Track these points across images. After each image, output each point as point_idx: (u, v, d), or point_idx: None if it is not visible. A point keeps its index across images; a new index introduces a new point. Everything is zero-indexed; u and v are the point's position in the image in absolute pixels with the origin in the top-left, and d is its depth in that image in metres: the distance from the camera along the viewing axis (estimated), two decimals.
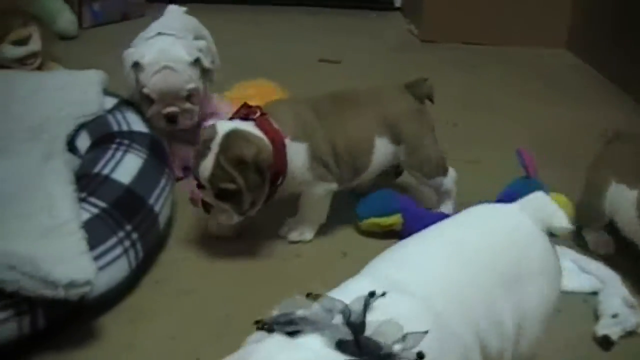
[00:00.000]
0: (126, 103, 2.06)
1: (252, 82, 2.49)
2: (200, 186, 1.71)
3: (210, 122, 1.89)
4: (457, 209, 1.91)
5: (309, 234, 1.88)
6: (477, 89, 3.00)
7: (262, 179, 1.67)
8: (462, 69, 3.23)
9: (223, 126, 1.69)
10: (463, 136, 2.53)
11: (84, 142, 1.92)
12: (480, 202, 1.92)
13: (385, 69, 3.09)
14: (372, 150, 1.88)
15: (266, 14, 3.92)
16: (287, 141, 1.74)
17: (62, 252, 1.40)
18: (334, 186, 1.85)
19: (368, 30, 3.75)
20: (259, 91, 2.37)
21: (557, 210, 1.24)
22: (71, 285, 1.36)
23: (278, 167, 1.71)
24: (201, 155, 1.67)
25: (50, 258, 1.37)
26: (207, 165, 1.65)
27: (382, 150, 1.89)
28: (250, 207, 1.71)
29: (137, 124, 1.95)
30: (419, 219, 1.86)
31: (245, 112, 1.74)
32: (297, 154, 1.76)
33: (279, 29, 3.68)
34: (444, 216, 1.86)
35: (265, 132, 1.70)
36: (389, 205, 1.88)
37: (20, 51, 2.55)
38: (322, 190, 1.84)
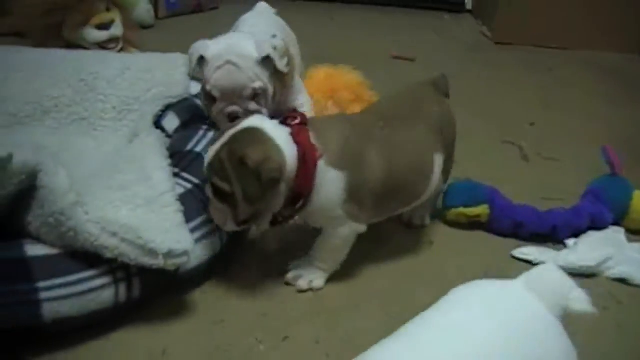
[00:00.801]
0: None
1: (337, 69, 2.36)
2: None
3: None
4: (540, 204, 1.89)
5: (320, 281, 1.62)
6: (552, 90, 2.97)
7: (263, 192, 1.44)
8: (537, 70, 3.19)
9: (249, 121, 1.49)
10: (540, 135, 2.51)
11: (171, 123, 1.93)
12: (561, 198, 1.96)
13: (459, 69, 3.06)
14: (433, 170, 1.67)
15: (340, 11, 3.91)
16: (322, 163, 1.49)
17: (161, 223, 1.41)
18: (362, 229, 1.59)
19: (441, 30, 3.73)
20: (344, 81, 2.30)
21: (575, 289, 1.06)
22: (170, 254, 1.37)
23: (301, 187, 1.48)
24: (214, 141, 1.51)
25: (150, 227, 1.38)
26: (210, 153, 1.47)
27: (438, 165, 1.69)
28: (252, 219, 1.50)
29: None
30: (505, 211, 1.85)
31: (284, 118, 1.54)
32: (332, 182, 1.50)
33: (353, 26, 3.67)
34: (531, 209, 1.84)
35: (297, 144, 1.47)
36: (476, 195, 1.86)
37: (103, 35, 2.59)
38: (350, 232, 1.58)
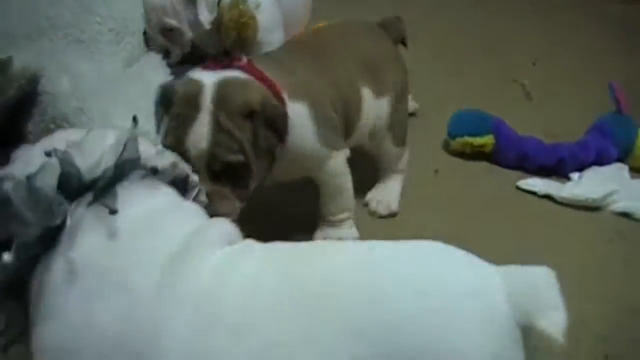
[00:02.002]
0: None
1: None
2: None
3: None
4: (545, 139, 1.87)
5: (352, 231, 1.52)
6: (554, 32, 2.90)
7: (278, 136, 1.30)
8: (539, 13, 3.14)
9: (206, 77, 1.28)
10: (543, 74, 2.48)
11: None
12: (564, 135, 1.94)
13: (462, 9, 3.03)
14: (361, 101, 1.52)
15: None
16: (285, 98, 1.35)
17: None
18: (346, 152, 1.46)
19: None
20: None
21: (556, 309, 0.81)
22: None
23: None
24: (185, 121, 1.24)
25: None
26: (201, 132, 1.22)
27: (369, 102, 1.54)
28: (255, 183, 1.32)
29: None
30: (511, 142, 1.83)
31: (227, 62, 1.34)
32: (300, 115, 1.35)
33: None
34: (537, 142, 1.82)
35: (260, 81, 1.31)
36: (482, 125, 1.84)
37: None
38: (339, 162, 1.44)
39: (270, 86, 1.31)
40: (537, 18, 3.07)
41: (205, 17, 1.71)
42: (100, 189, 0.86)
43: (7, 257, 0.83)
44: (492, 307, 0.81)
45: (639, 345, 1.34)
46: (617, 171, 1.85)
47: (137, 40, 1.90)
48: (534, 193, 1.75)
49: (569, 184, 1.77)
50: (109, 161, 0.88)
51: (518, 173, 1.82)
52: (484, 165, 1.85)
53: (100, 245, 0.85)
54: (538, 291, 0.82)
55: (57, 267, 0.84)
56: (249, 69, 1.32)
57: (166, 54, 1.78)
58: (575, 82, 2.43)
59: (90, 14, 1.93)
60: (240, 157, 1.24)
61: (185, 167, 1.03)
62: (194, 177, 1.07)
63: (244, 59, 1.34)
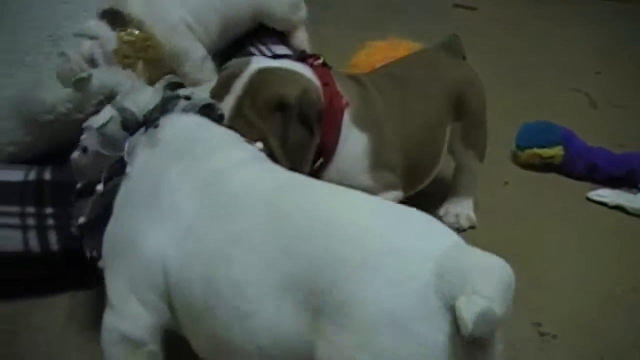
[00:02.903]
0: None
1: (384, 43, 2.01)
2: None
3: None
4: (613, 149, 1.87)
5: None
6: (613, 41, 2.88)
7: (311, 134, 1.22)
8: (597, 23, 3.12)
9: (255, 63, 1.25)
10: (607, 83, 2.46)
11: None
12: (634, 145, 1.92)
13: (520, 20, 3.02)
14: (444, 143, 1.50)
15: None
16: (347, 117, 1.28)
17: None
18: (400, 194, 1.40)
19: None
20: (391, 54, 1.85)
21: (483, 297, 0.77)
22: None
23: (326, 138, 1.26)
24: (215, 99, 1.20)
25: None
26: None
27: (448, 136, 1.52)
28: None
29: None
30: (581, 153, 1.82)
31: (302, 59, 1.33)
32: (355, 141, 1.30)
33: None
34: (607, 152, 1.82)
35: (323, 86, 1.26)
36: (551, 136, 1.84)
37: None
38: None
39: (333, 95, 1.26)
40: (597, 28, 3.04)
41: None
42: (152, 121, 1.10)
43: (99, 187, 1.10)
44: (413, 272, 0.82)
45: None
46: None
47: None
48: (604, 204, 1.74)
49: None
50: (155, 101, 1.13)
51: (588, 184, 1.82)
52: (553, 176, 1.85)
53: (149, 151, 1.09)
54: (474, 274, 0.79)
55: (123, 185, 1.09)
56: (319, 71, 1.28)
57: None
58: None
59: (27, 22, 1.72)
60: (258, 146, 1.16)
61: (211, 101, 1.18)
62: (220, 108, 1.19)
63: (320, 60, 1.33)
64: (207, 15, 1.74)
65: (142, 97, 1.16)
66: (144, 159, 1.09)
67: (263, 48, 1.85)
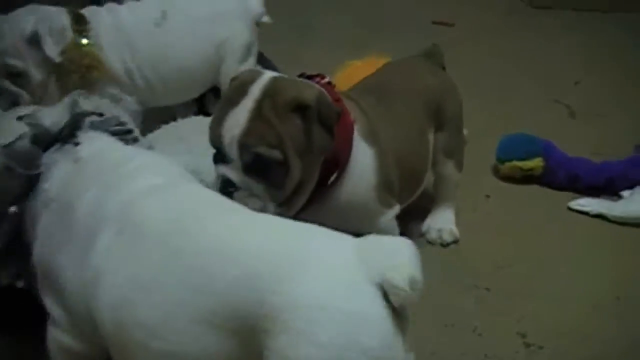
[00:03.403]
0: None
1: (362, 62, 2.02)
2: (219, 159, 1.21)
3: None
4: (592, 157, 1.89)
5: None
6: (593, 50, 2.91)
7: (332, 136, 1.22)
8: (576, 32, 3.14)
9: (268, 73, 1.25)
10: (586, 93, 2.48)
11: None
12: (612, 153, 1.93)
13: (499, 32, 3.04)
14: (429, 150, 1.52)
15: None
16: (356, 132, 1.31)
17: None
18: (397, 210, 1.42)
19: None
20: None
21: (404, 265, 0.88)
22: None
23: (339, 152, 1.26)
24: (228, 104, 1.19)
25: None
26: (237, 118, 1.17)
27: (432, 143, 1.54)
28: (292, 196, 1.24)
29: None
30: (561, 164, 1.84)
31: (308, 77, 1.33)
32: (365, 157, 1.32)
33: None
34: (587, 161, 1.83)
35: (333, 100, 1.27)
36: (531, 147, 1.85)
37: None
38: (392, 219, 1.41)
39: (344, 110, 1.27)
40: (576, 38, 3.06)
41: (54, 50, 1.60)
42: (65, 136, 1.10)
43: (13, 208, 1.09)
44: (336, 264, 0.89)
45: None
46: None
47: None
48: (586, 213, 1.76)
49: (621, 202, 1.77)
50: (66, 116, 1.12)
51: (569, 194, 1.83)
52: (534, 188, 1.86)
53: (68, 169, 1.07)
54: (391, 253, 0.89)
55: (37, 199, 1.08)
56: (326, 87, 1.28)
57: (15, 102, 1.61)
58: (619, 99, 2.42)
59: None
60: (275, 153, 1.17)
61: (130, 124, 1.20)
62: (136, 133, 1.20)
63: (326, 79, 1.32)
64: (156, 73, 1.73)
65: (52, 112, 1.15)
66: (62, 178, 1.08)
67: None
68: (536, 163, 1.84)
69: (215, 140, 1.19)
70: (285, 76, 1.27)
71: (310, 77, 1.31)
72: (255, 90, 1.18)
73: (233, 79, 1.26)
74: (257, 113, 1.16)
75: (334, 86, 1.34)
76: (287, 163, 1.17)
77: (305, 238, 0.94)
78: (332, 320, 0.84)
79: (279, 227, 0.97)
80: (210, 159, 1.23)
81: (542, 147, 1.85)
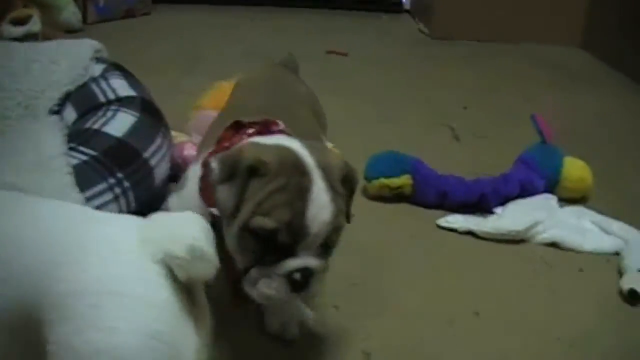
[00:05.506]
0: (114, 67, 1.83)
1: (227, 84, 1.90)
2: (282, 255, 1.04)
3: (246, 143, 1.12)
4: (472, 177, 1.84)
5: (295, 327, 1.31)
6: (489, 78, 2.95)
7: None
8: (474, 62, 3.17)
9: (292, 143, 1.09)
10: (473, 117, 2.49)
11: (70, 115, 1.73)
12: (491, 173, 1.88)
13: (396, 62, 3.07)
14: None
15: (279, 13, 3.91)
16: None
17: (47, 185, 1.32)
18: None
19: (377, 29, 3.73)
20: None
21: (183, 236, 0.85)
22: None
23: None
24: (299, 191, 1.03)
25: (35, 190, 1.28)
26: (322, 202, 1.03)
27: None
28: None
29: (123, 89, 1.74)
30: (430, 181, 1.77)
31: (263, 127, 1.16)
32: None
33: (289, 29, 3.63)
34: (457, 179, 1.78)
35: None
36: (398, 165, 1.78)
37: (19, 31, 2.49)
38: None
39: None
40: (468, 67, 3.09)
41: None
42: None
43: None
44: (118, 246, 0.86)
45: None
46: (545, 201, 1.79)
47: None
48: (454, 230, 1.69)
49: (492, 218, 1.71)
50: None
51: (439, 212, 1.76)
52: (403, 206, 1.79)
53: None
54: (174, 228, 0.86)
55: None
56: (289, 133, 1.16)
57: None
58: (504, 122, 2.43)
59: None
60: (344, 224, 1.09)
61: None
62: None
63: (281, 125, 1.17)
64: None
65: None
66: None
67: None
68: (404, 180, 1.76)
69: (297, 234, 1.02)
70: (298, 142, 1.10)
71: (268, 124, 1.16)
72: (314, 169, 1.04)
73: (263, 163, 1.04)
74: (335, 193, 1.05)
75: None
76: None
77: (88, 223, 0.91)
78: (117, 304, 0.81)
79: (62, 214, 0.93)
80: None
81: (410, 165, 1.77)
